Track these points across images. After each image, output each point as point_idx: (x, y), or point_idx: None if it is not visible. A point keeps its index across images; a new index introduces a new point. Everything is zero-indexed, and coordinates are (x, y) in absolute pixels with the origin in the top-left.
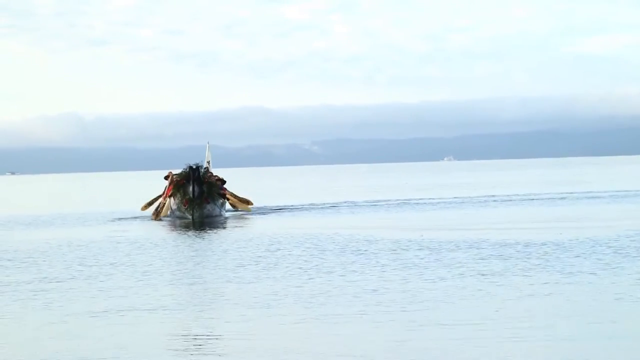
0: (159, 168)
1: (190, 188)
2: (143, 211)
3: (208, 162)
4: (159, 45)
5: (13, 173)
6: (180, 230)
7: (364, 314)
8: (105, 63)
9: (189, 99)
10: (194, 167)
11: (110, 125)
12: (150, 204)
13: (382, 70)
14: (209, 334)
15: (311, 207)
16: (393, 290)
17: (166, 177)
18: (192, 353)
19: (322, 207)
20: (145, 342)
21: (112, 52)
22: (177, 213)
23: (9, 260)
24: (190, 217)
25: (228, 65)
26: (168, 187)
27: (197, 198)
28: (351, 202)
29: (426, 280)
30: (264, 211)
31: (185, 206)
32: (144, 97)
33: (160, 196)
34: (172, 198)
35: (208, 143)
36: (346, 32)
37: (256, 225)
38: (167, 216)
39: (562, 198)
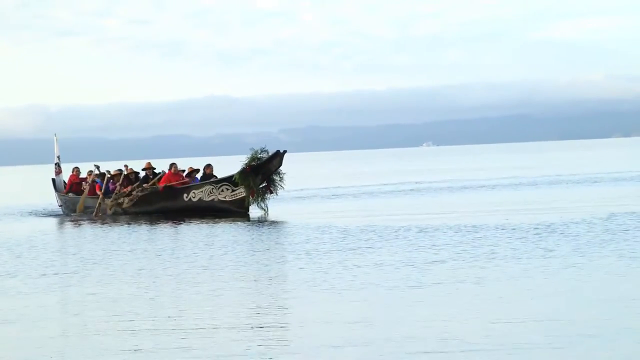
0: (129, 158)
1: (263, 177)
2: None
3: (58, 157)
4: (125, 35)
5: None
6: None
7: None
8: (71, 54)
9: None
10: (282, 151)
11: (77, 116)
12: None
13: (350, 58)
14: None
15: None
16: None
17: (145, 169)
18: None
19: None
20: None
21: (78, 43)
22: (232, 207)
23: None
24: (247, 209)
25: (195, 54)
26: (166, 177)
27: (269, 187)
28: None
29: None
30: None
31: (252, 197)
32: (110, 87)
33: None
34: (217, 188)
35: (55, 135)
36: (314, 19)
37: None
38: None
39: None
